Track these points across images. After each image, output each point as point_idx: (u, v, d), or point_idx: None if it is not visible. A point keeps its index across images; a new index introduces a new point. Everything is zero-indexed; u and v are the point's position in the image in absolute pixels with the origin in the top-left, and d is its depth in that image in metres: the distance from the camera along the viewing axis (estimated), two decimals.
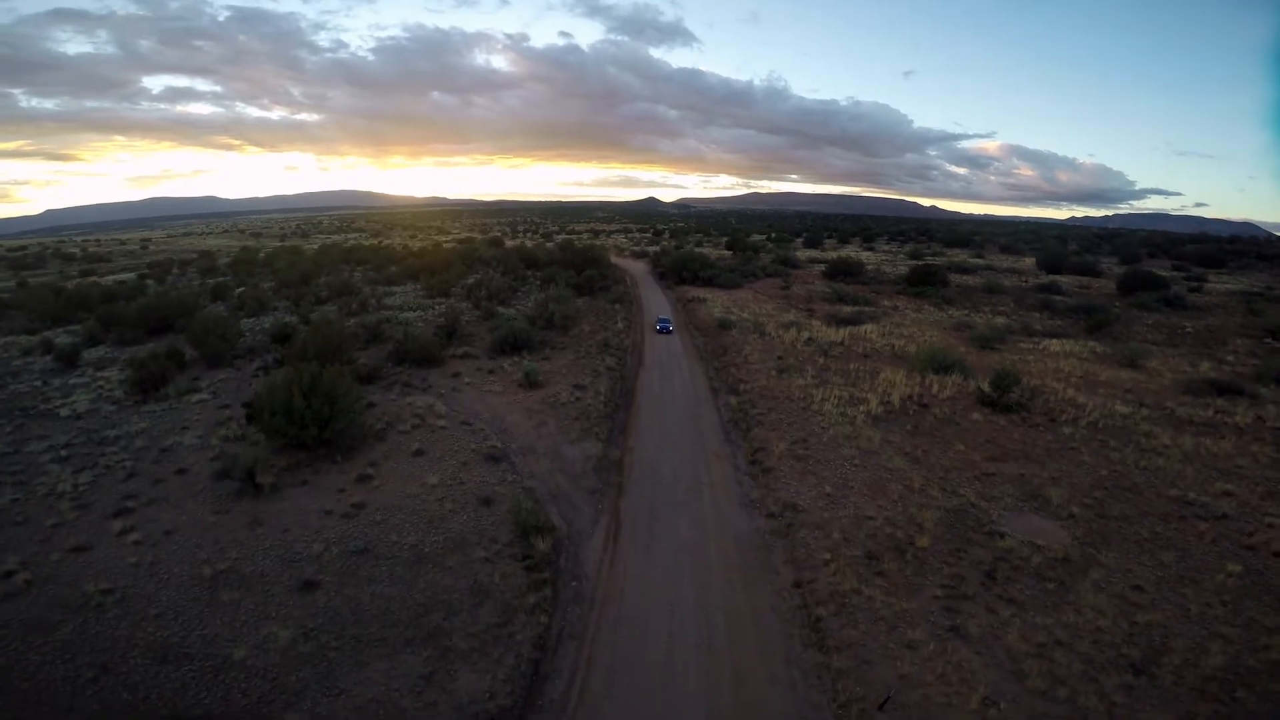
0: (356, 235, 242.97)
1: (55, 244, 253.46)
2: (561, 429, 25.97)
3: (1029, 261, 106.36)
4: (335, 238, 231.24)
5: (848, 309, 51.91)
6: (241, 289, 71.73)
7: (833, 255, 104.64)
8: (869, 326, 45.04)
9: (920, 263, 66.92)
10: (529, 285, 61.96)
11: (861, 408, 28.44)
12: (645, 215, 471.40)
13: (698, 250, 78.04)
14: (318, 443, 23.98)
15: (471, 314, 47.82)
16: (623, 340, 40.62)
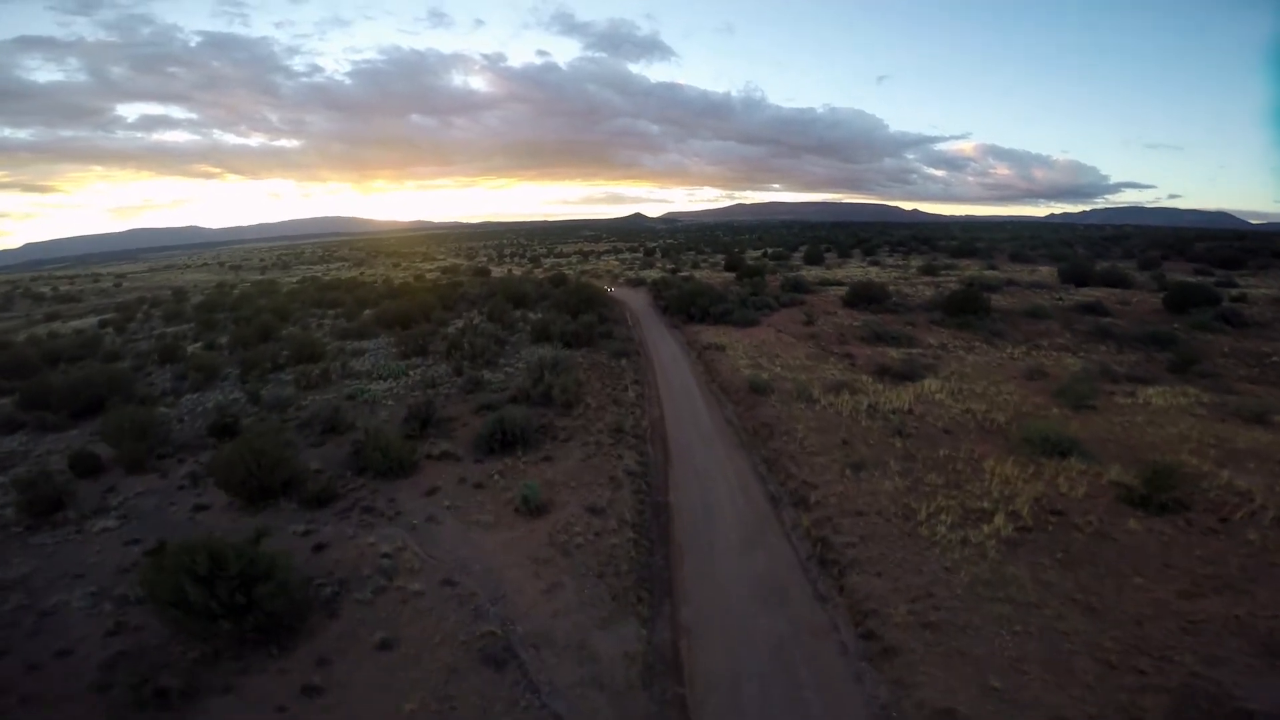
0: (338, 265, 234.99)
1: (29, 281, 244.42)
2: (583, 594, 18.40)
3: (1047, 271, 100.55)
4: (316, 269, 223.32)
5: (894, 353, 44.86)
6: (196, 345, 63.77)
7: (841, 274, 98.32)
8: (930, 382, 37.84)
9: (961, 288, 60.01)
10: (518, 332, 54.53)
11: (985, 526, 21.13)
12: (632, 232, 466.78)
13: (701, 281, 70.88)
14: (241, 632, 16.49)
15: (451, 382, 40.32)
16: (639, 420, 33.15)
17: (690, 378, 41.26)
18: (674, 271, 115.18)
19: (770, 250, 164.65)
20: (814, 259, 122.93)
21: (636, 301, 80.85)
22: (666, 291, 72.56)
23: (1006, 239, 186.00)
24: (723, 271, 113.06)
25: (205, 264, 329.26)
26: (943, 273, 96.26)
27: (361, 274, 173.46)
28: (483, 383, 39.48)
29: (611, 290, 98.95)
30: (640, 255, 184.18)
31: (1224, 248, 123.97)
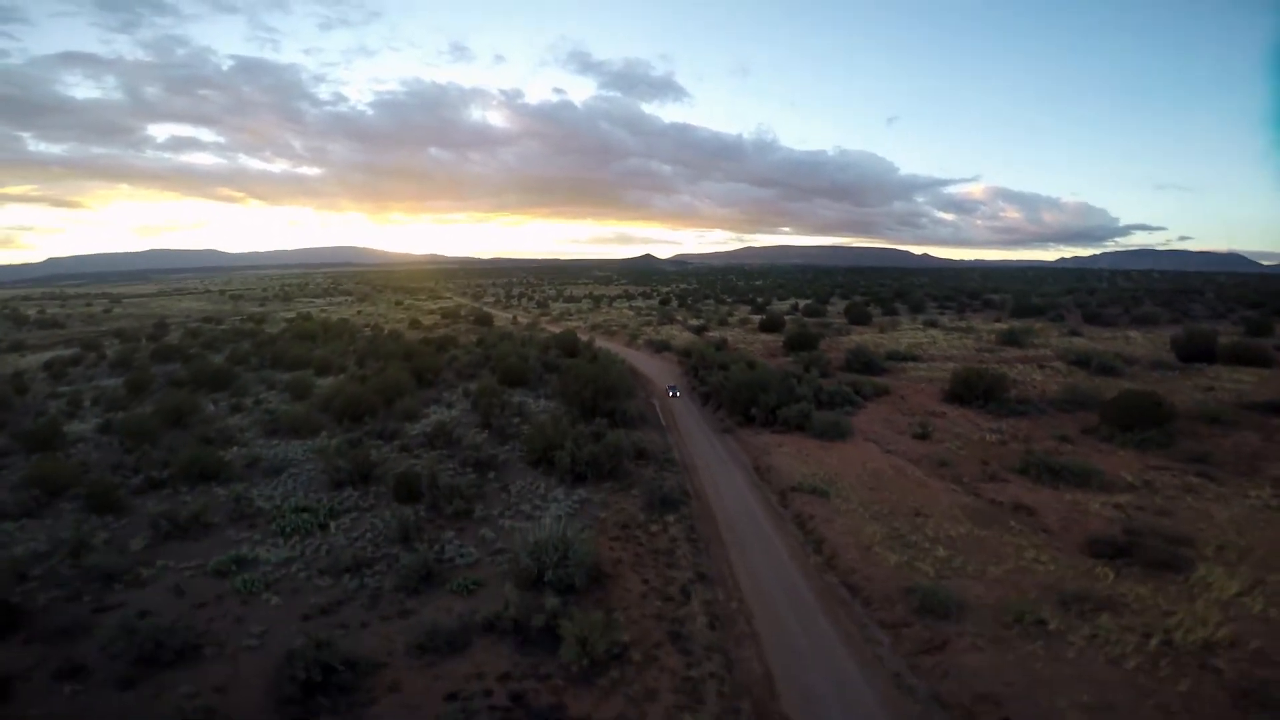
0: (340, 300, 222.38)
1: (20, 301, 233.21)
2: None
3: (1143, 339, 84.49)
4: (317, 302, 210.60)
5: (1093, 504, 28.45)
6: (90, 422, 48.21)
7: (906, 342, 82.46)
8: (1212, 574, 21.61)
9: (1131, 392, 43.34)
10: (511, 439, 38.48)
11: None
12: (643, 273, 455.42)
13: (756, 362, 54.80)
14: None
15: (392, 557, 24.23)
16: (728, 697, 17.07)
17: (790, 565, 24.79)
18: (701, 330, 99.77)
19: (800, 303, 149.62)
20: (860, 318, 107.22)
21: (662, 375, 64.85)
22: (706, 371, 56.54)
23: (1060, 291, 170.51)
24: (758, 331, 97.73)
25: (209, 291, 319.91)
26: (1030, 343, 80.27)
27: (359, 312, 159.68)
28: (441, 569, 23.38)
29: (630, 359, 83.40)
30: (655, 303, 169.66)
31: None
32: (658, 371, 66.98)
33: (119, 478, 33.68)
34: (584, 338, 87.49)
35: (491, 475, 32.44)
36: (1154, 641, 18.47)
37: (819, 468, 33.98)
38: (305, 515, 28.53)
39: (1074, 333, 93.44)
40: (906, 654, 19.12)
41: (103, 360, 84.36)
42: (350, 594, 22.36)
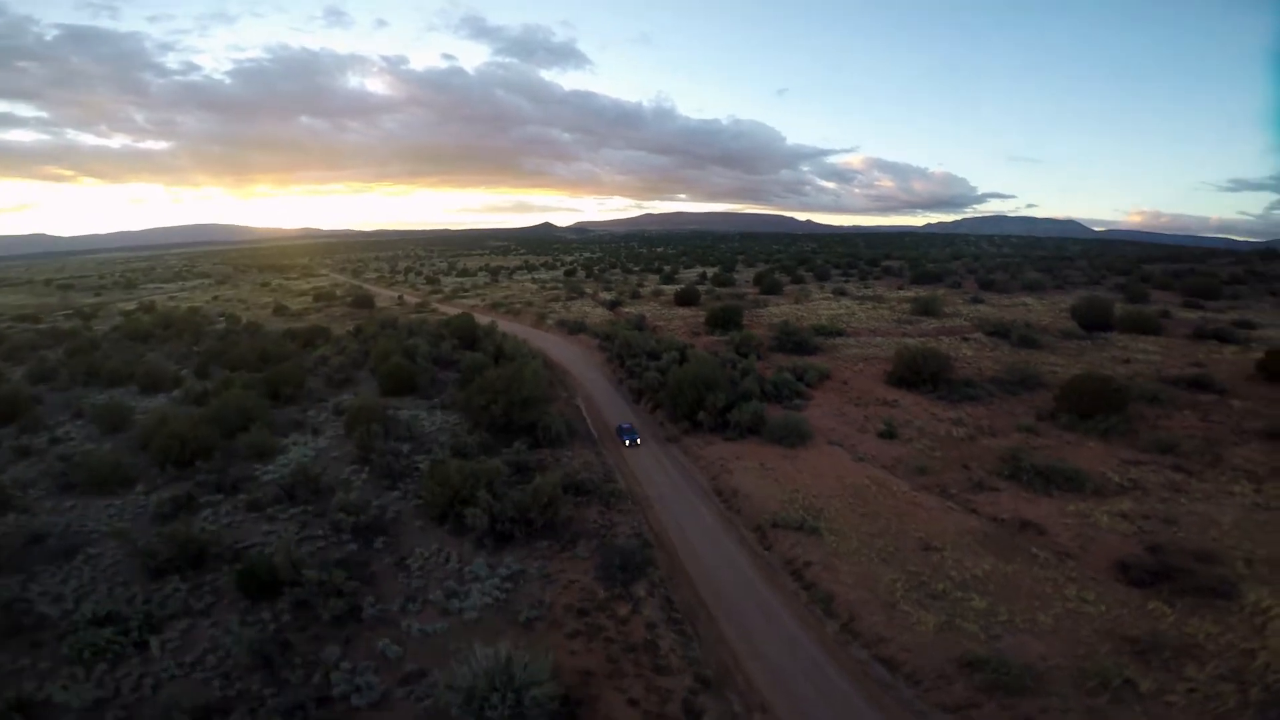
0: (197, 283, 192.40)
1: None
2: None
3: (1043, 307, 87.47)
4: (168, 288, 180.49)
5: (1101, 516, 24.90)
6: None
7: (826, 313, 79.98)
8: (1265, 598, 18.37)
9: (1084, 376, 41.23)
10: (407, 480, 29.90)
11: None
12: (543, 242, 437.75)
13: (698, 353, 48.55)
14: None
15: (276, 655, 15.90)
16: None
17: (805, 639, 19.06)
18: (615, 306, 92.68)
19: (708, 271, 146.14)
20: (772, 288, 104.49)
21: (583, 366, 57.43)
22: (633, 360, 49.84)
23: (947, 257, 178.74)
24: (674, 305, 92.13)
25: (32, 281, 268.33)
26: (942, 312, 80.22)
27: (215, 298, 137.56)
28: (332, 717, 15.44)
29: (536, 340, 74.95)
30: (560, 274, 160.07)
31: (1185, 270, 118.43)
32: (576, 361, 59.36)
33: None
34: (484, 319, 77.76)
35: (380, 542, 24.03)
36: (1254, 692, 15.95)
37: (792, 488, 28.45)
38: (112, 630, 19.24)
39: (976, 300, 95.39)
40: None
41: None
42: None
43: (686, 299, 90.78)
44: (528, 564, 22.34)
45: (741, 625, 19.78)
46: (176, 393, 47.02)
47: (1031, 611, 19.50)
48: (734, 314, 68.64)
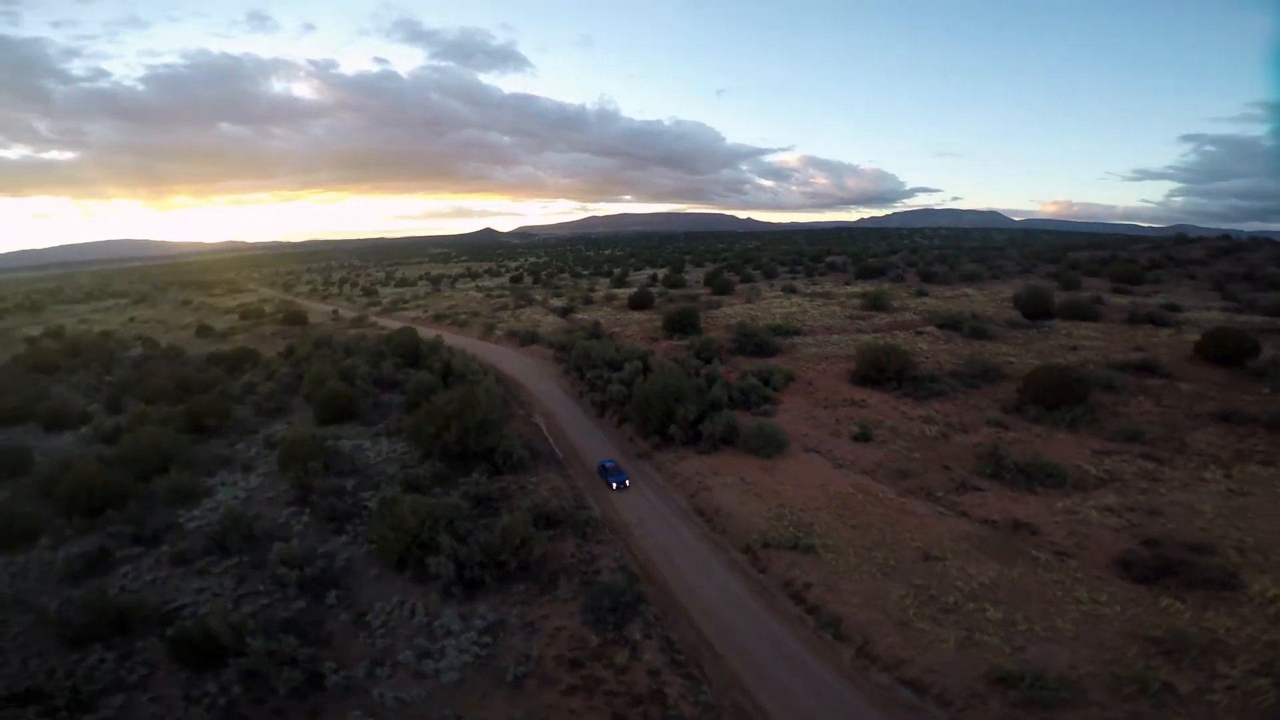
0: (112, 303, 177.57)
1: None
2: None
3: (984, 298, 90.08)
4: (78, 309, 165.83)
5: (1090, 511, 24.42)
6: None
7: (779, 312, 79.77)
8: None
9: (1044, 367, 41.47)
10: (348, 507, 26.85)
11: None
12: (485, 248, 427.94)
13: (664, 363, 46.72)
14: None
15: None
16: None
17: (820, 669, 18.08)
18: (566, 312, 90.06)
19: (658, 273, 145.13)
20: (723, 288, 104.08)
21: (539, 379, 54.75)
22: (593, 371, 47.67)
23: (886, 251, 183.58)
24: (628, 310, 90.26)
25: None
26: (891, 306, 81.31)
27: (132, 319, 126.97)
28: None
29: (488, 346, 71.69)
30: (506, 281, 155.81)
31: (1107, 257, 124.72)
32: (531, 374, 56.64)
33: None
34: (428, 333, 73.85)
35: (333, 597, 21.08)
36: None
37: (776, 503, 26.97)
38: (36, 708, 16.13)
39: (921, 293, 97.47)
40: None
41: None
42: None
43: (640, 303, 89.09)
44: (505, 612, 19.94)
45: (751, 660, 18.14)
46: (85, 430, 41.89)
47: (1049, 618, 18.70)
48: (691, 317, 67.35)
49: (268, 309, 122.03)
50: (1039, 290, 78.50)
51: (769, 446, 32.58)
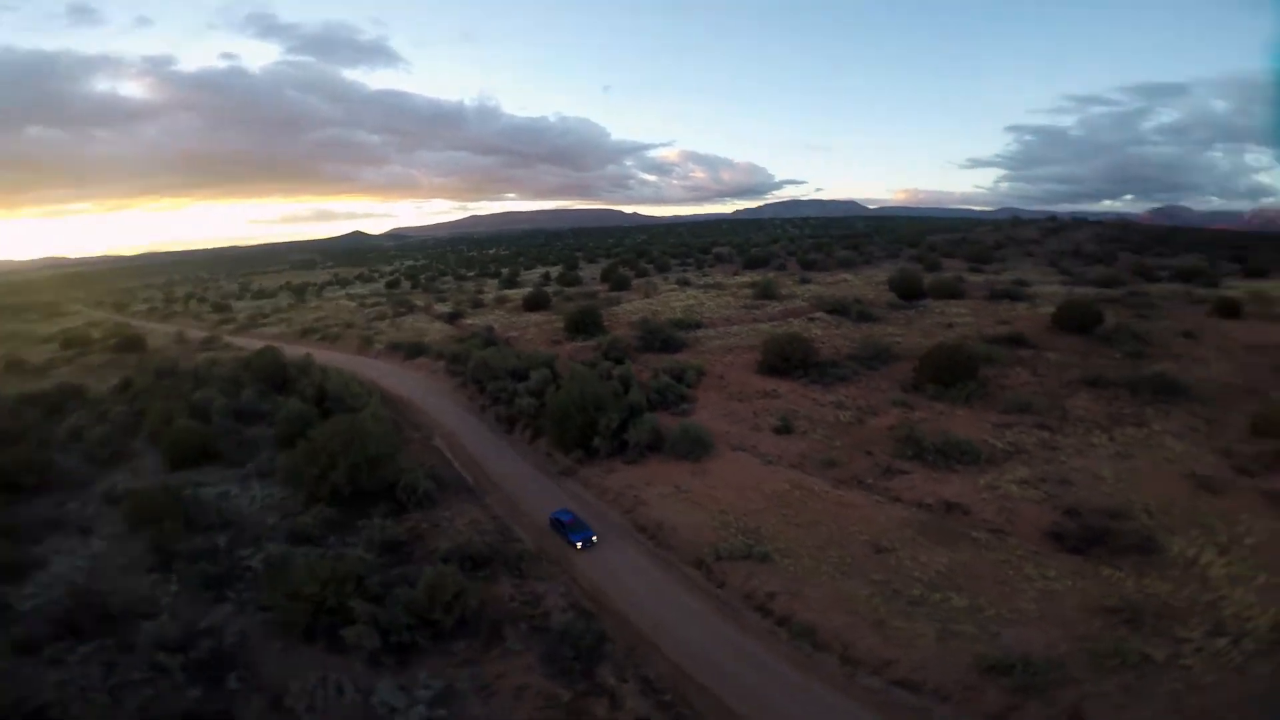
0: None
1: None
2: None
3: (861, 282, 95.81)
4: None
5: (1010, 485, 25.43)
6: None
7: (679, 305, 79.80)
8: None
9: (942, 347, 43.53)
10: (225, 567, 22.26)
11: None
12: (355, 252, 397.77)
13: (575, 368, 44.20)
14: None
15: None
16: None
17: (809, 681, 17.50)
18: (455, 318, 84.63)
19: (551, 272, 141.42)
20: (620, 284, 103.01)
21: (432, 396, 50.30)
22: (494, 383, 44.32)
23: (767, 241, 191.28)
24: (523, 311, 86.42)
25: None
26: (779, 294, 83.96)
27: None
28: None
29: (367, 361, 65.50)
30: (381, 287, 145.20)
31: (959, 240, 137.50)
32: (422, 391, 51.95)
33: None
34: (295, 352, 66.28)
35: (234, 680, 16.94)
36: (1247, 642, 16.80)
37: (717, 509, 25.80)
38: None
39: (804, 280, 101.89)
40: None
41: None
42: None
43: (536, 303, 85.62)
44: (452, 676, 16.97)
45: (738, 686, 16.85)
46: None
47: (1010, 599, 19.23)
48: (594, 316, 65.31)
49: (96, 334, 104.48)
50: (910, 273, 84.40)
51: (697, 449, 31.46)
